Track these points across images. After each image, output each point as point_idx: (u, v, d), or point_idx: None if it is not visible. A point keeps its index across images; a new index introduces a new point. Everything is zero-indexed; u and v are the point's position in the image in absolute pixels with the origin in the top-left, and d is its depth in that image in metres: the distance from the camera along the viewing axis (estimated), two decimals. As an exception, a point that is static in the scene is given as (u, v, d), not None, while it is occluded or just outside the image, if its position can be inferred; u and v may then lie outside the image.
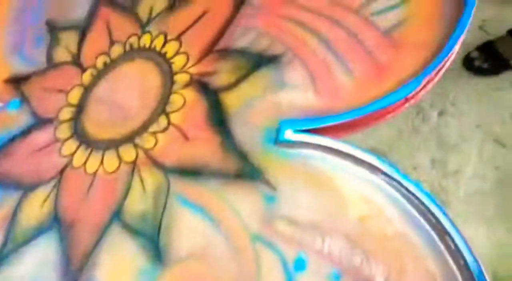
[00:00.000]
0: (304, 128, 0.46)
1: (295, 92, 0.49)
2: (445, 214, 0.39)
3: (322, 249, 0.40)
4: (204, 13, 0.60)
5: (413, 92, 0.46)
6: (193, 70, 0.56)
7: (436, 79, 0.48)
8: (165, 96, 0.55)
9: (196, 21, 0.60)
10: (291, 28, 0.55)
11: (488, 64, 0.87)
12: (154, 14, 0.64)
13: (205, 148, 0.49)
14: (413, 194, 0.40)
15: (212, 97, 0.52)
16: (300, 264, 0.40)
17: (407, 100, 0.47)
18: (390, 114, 0.48)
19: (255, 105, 0.50)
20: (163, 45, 0.60)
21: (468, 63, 0.90)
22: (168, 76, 0.57)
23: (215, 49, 0.56)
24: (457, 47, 0.46)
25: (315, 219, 0.41)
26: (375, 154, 0.43)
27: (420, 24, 0.48)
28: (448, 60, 0.47)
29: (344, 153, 0.44)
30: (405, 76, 0.46)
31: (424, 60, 0.46)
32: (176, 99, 0.55)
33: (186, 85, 0.55)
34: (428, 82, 0.47)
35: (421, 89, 0.47)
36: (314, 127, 0.45)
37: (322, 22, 0.53)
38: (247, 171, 0.46)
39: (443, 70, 0.48)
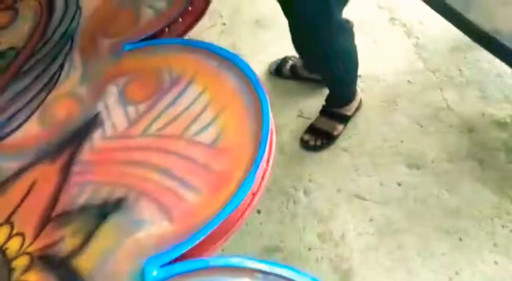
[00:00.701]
0: (169, 260, 0.43)
1: (150, 227, 0.47)
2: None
3: None
4: (31, 187, 0.56)
5: (255, 185, 0.49)
6: (32, 248, 0.49)
7: (269, 167, 0.52)
8: (4, 292, 0.47)
9: (24, 197, 0.55)
10: (127, 170, 0.54)
11: (319, 141, 1.02)
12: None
13: None
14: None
15: (61, 268, 0.46)
16: None
17: (254, 194, 0.49)
18: (247, 211, 0.49)
19: (113, 257, 0.46)
20: (-9, 235, 0.52)
21: (305, 145, 1.04)
22: (4, 266, 0.49)
23: (52, 216, 0.52)
24: (269, 141, 0.51)
25: None
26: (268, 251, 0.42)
27: (235, 131, 0.54)
28: (270, 151, 0.52)
29: (221, 267, 0.42)
30: (242, 174, 0.48)
31: (251, 156, 0.50)
32: (19, 290, 0.46)
33: (27, 268, 0.47)
34: (265, 171, 0.51)
35: (261, 181, 0.50)
36: (178, 255, 0.43)
37: (155, 155, 0.54)
38: None
39: (271, 158, 0.52)
